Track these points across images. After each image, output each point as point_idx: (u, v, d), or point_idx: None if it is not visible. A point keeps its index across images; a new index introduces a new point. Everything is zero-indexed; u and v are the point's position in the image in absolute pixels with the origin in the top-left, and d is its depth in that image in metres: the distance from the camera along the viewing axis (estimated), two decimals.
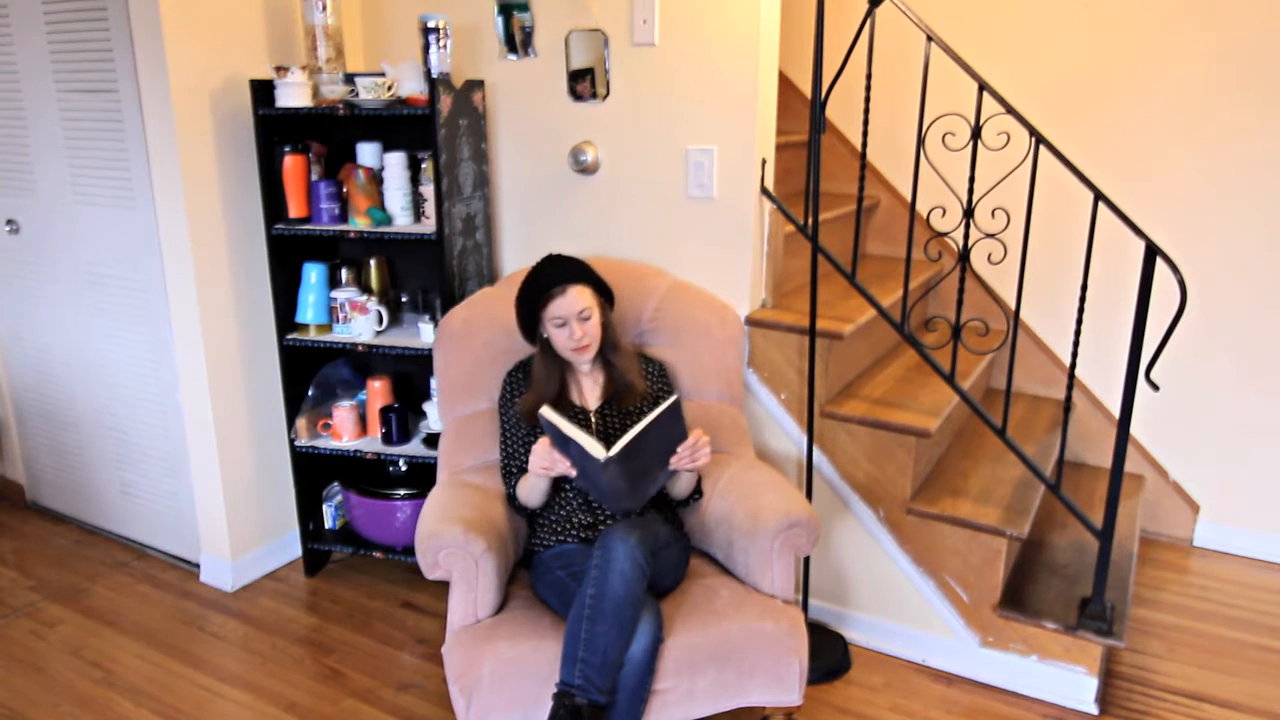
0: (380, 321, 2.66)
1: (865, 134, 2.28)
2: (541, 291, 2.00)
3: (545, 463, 1.85)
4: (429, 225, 2.56)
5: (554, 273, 2.01)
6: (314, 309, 2.67)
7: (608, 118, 2.54)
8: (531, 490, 1.97)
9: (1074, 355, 2.14)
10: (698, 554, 2.13)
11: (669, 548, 1.93)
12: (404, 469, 2.79)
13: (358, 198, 2.57)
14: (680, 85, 2.42)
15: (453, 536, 1.84)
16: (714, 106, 2.39)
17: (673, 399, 1.77)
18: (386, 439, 2.68)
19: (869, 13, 2.16)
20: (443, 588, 2.76)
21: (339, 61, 2.57)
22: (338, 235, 2.56)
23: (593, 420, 2.05)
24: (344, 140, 2.79)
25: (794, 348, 2.43)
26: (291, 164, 2.58)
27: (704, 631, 1.82)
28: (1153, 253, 1.95)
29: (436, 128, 2.40)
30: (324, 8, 2.50)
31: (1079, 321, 2.12)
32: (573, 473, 1.83)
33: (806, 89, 3.37)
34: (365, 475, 2.78)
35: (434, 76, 2.43)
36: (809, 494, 2.42)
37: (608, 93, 2.52)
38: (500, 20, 2.61)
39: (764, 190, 2.42)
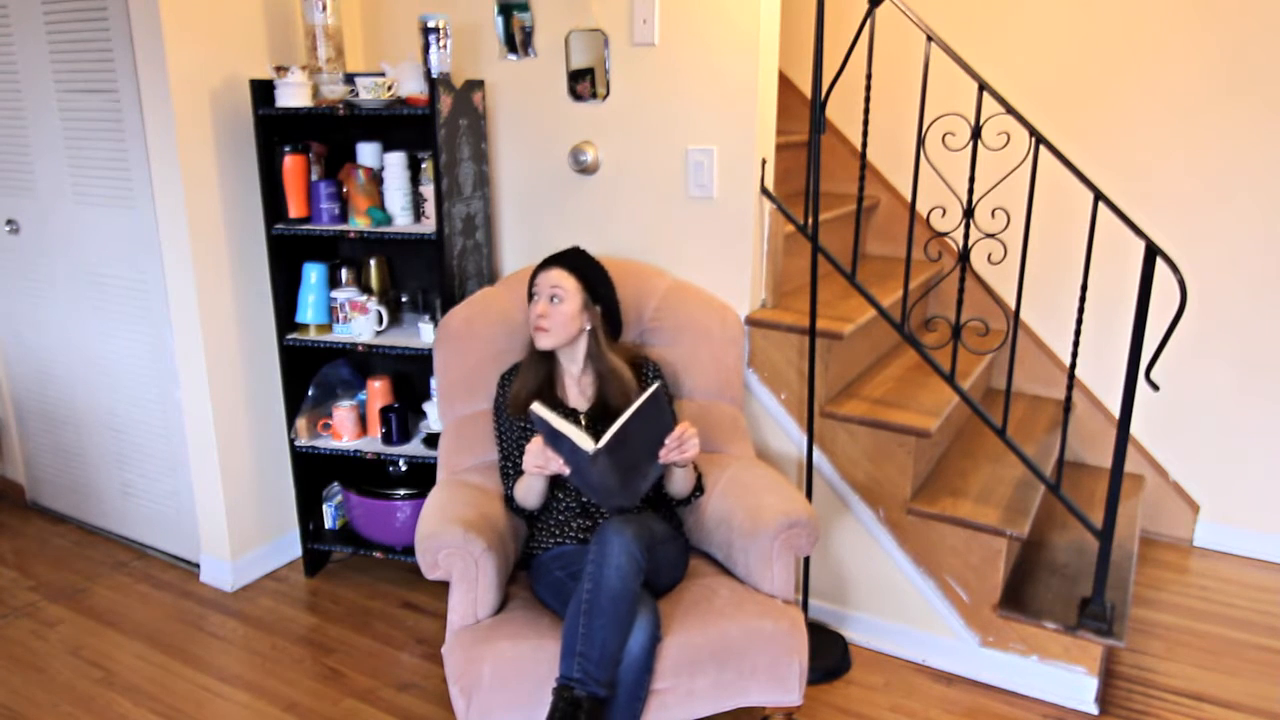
0: (380, 321, 2.66)
1: (865, 134, 2.28)
2: (540, 266, 2.06)
3: (539, 461, 1.84)
4: (429, 225, 2.56)
5: (560, 255, 2.07)
6: (314, 309, 2.67)
7: (608, 118, 2.54)
8: (528, 491, 1.97)
9: (1074, 355, 2.14)
10: (697, 554, 2.13)
11: (665, 544, 1.93)
12: (404, 469, 2.79)
13: (358, 198, 2.57)
14: (680, 85, 2.42)
15: (452, 536, 1.84)
16: (714, 106, 2.39)
17: (654, 387, 1.75)
18: (386, 439, 2.68)
19: (869, 13, 2.16)
20: (443, 588, 2.76)
21: (339, 61, 2.57)
22: (338, 235, 2.56)
23: (581, 423, 2.05)
24: (344, 140, 2.79)
25: (794, 348, 2.43)
26: (291, 164, 2.58)
27: (703, 631, 1.82)
28: (1153, 253, 1.95)
29: (436, 128, 2.40)
30: (324, 8, 2.50)
31: (1079, 321, 2.12)
32: (566, 470, 1.82)
33: (806, 89, 3.37)
34: (365, 475, 2.78)
35: (434, 76, 2.43)
36: (809, 494, 2.42)
37: (608, 93, 2.52)
38: (500, 20, 2.61)
39: (764, 190, 2.42)
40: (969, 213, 2.18)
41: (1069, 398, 2.19)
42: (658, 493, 2.07)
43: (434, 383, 2.49)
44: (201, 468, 2.73)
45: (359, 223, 2.57)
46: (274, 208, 2.59)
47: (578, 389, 2.09)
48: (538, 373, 2.07)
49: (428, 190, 2.56)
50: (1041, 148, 2.09)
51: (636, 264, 2.48)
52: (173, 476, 2.87)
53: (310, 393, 2.77)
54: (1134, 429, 3.09)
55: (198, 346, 2.61)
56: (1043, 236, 3.08)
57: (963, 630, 2.35)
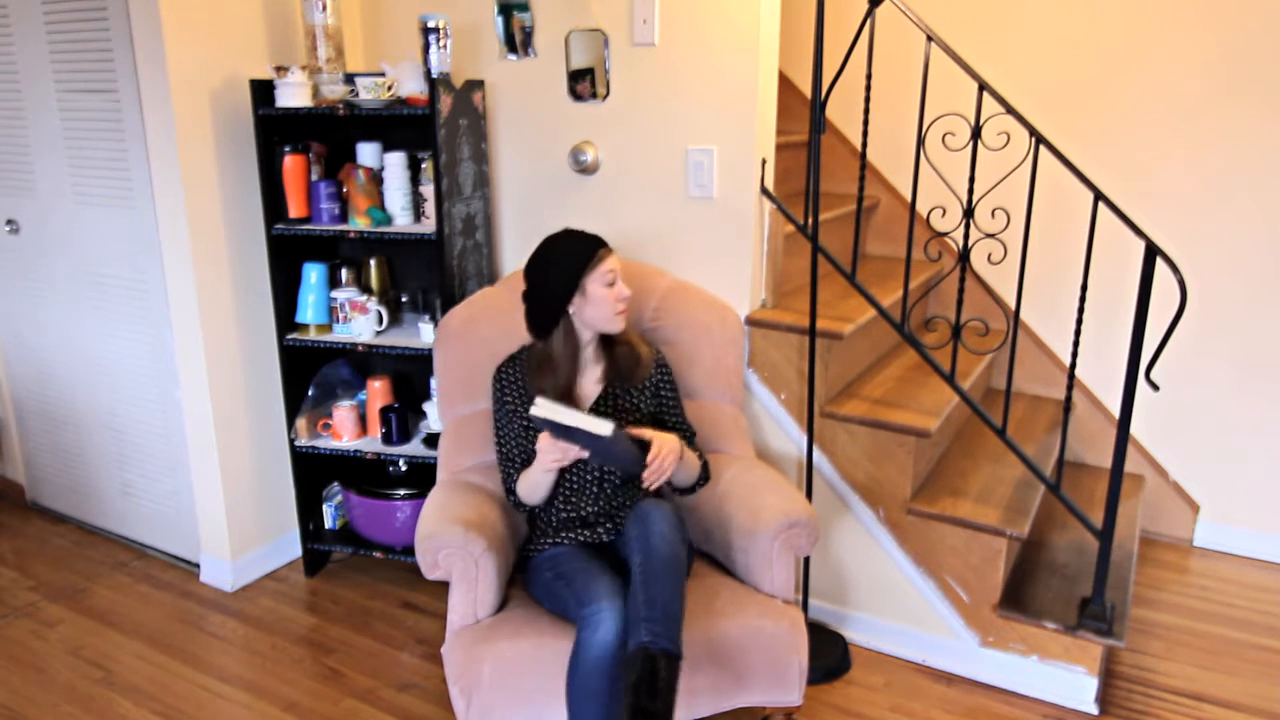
0: (380, 321, 2.66)
1: (865, 134, 2.28)
2: (595, 248, 1.91)
3: (555, 455, 1.83)
4: (429, 225, 2.56)
5: (588, 237, 1.94)
6: (314, 309, 2.67)
7: (608, 118, 2.54)
8: (535, 486, 1.95)
9: (1074, 355, 2.14)
10: (697, 554, 2.13)
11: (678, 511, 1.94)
12: (404, 469, 2.79)
13: (358, 198, 2.57)
14: (680, 85, 2.42)
15: (452, 536, 1.84)
16: (714, 106, 2.39)
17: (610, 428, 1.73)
18: (386, 439, 2.68)
19: (869, 13, 2.16)
20: (443, 588, 2.76)
21: (339, 61, 2.57)
22: (338, 235, 2.56)
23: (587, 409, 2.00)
24: (344, 140, 2.79)
25: (794, 348, 2.43)
26: (291, 164, 2.58)
27: (704, 631, 1.82)
28: (1153, 253, 1.95)
29: (436, 128, 2.40)
30: (324, 8, 2.50)
31: (1079, 321, 2.12)
32: (585, 454, 1.82)
33: (806, 89, 3.37)
34: (365, 475, 2.78)
35: (434, 76, 2.43)
36: (809, 494, 2.42)
37: (608, 93, 2.52)
38: (500, 20, 2.61)
39: (764, 190, 2.42)
40: (969, 213, 2.18)
41: (1069, 398, 2.19)
42: (659, 492, 2.06)
43: (434, 383, 2.48)
44: (201, 468, 2.73)
45: (359, 223, 2.57)
46: (274, 208, 2.59)
47: (591, 376, 2.03)
48: (570, 359, 1.96)
49: (428, 190, 2.56)
50: (1041, 148, 2.09)
51: (636, 264, 2.48)
52: (173, 476, 2.86)
53: (310, 393, 2.77)
54: (1134, 429, 3.09)
55: (198, 346, 2.61)
56: (1043, 236, 3.08)
57: (963, 630, 2.35)
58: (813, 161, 2.28)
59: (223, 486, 2.71)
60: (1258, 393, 2.89)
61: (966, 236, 2.19)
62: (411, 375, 2.90)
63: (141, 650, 2.49)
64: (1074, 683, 2.23)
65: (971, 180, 2.18)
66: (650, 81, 2.45)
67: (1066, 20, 2.93)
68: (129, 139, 2.59)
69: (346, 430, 2.71)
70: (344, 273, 2.71)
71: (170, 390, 2.77)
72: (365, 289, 2.76)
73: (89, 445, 3.07)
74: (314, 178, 2.64)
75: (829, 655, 2.39)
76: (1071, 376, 2.17)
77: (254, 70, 2.61)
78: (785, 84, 3.39)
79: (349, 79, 2.57)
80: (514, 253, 2.81)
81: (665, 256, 2.56)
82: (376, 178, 2.61)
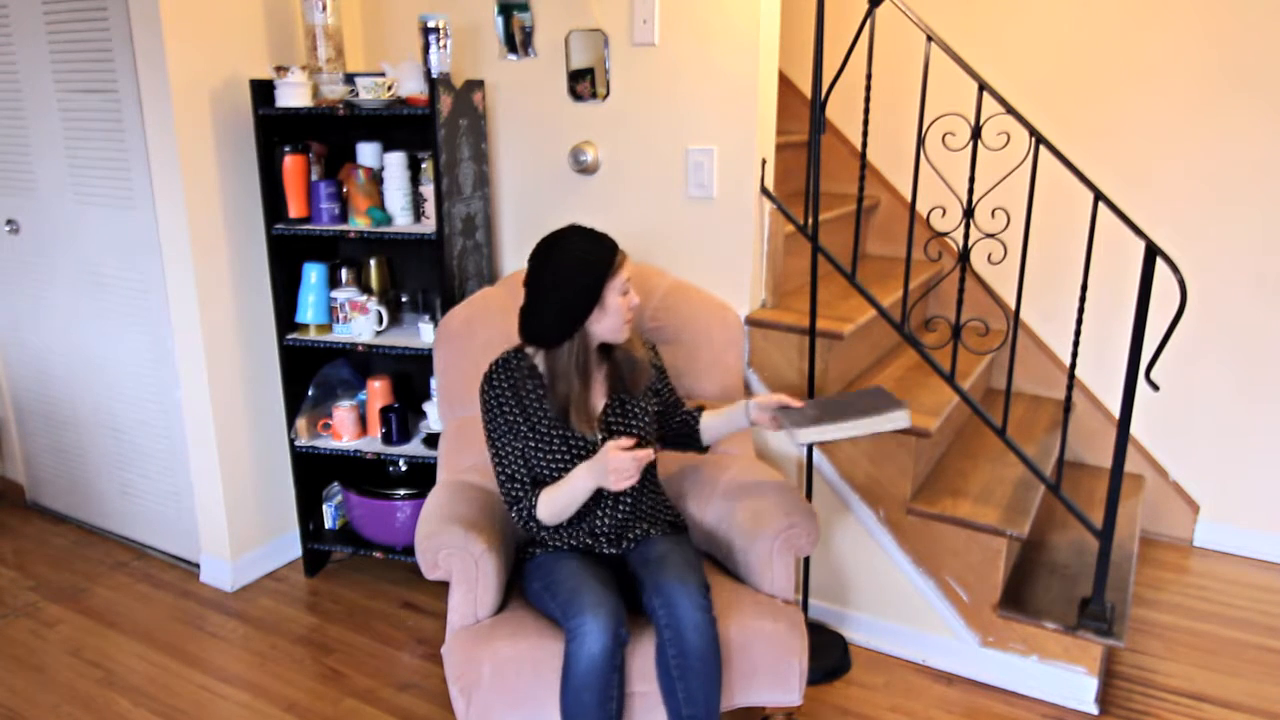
0: (380, 321, 2.66)
1: (865, 134, 2.28)
2: (613, 253, 1.78)
3: (632, 472, 1.71)
4: (429, 225, 2.56)
5: (599, 239, 1.80)
6: (314, 309, 2.67)
7: (608, 118, 2.54)
8: (570, 506, 1.81)
9: (1074, 355, 2.14)
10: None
11: (677, 541, 1.93)
12: (404, 469, 2.79)
13: (358, 198, 2.57)
14: (680, 85, 2.42)
15: (452, 536, 1.84)
16: (714, 106, 2.39)
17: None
18: (386, 439, 2.68)
19: (869, 13, 2.16)
20: (443, 588, 2.76)
21: (339, 61, 2.57)
22: (338, 235, 2.56)
23: (598, 438, 1.88)
24: (344, 140, 2.79)
25: (794, 348, 2.43)
26: (291, 164, 2.58)
27: None
28: (1153, 253, 1.95)
29: (436, 128, 2.40)
30: (324, 8, 2.50)
31: (1079, 321, 2.12)
32: (653, 455, 1.78)
33: (806, 89, 3.37)
34: (365, 475, 2.78)
35: (434, 76, 2.43)
36: (809, 494, 2.42)
37: (608, 93, 2.52)
38: (500, 20, 2.61)
39: (764, 190, 2.42)
40: (969, 213, 2.18)
41: (1069, 398, 2.19)
42: (661, 498, 2.04)
43: (434, 383, 2.48)
44: (201, 468, 2.73)
45: (359, 223, 2.57)
46: (274, 208, 2.59)
47: (595, 384, 1.91)
48: (585, 380, 1.83)
49: (428, 190, 2.56)
50: (1041, 148, 2.09)
51: (636, 264, 2.48)
52: (172, 476, 2.86)
53: (310, 393, 2.77)
54: (1134, 429, 3.09)
55: (198, 346, 2.61)
56: (1043, 236, 3.08)
57: (963, 630, 2.35)
58: (813, 161, 2.28)
59: (223, 486, 2.71)
60: (1258, 393, 2.89)
61: (966, 236, 2.19)
62: (411, 375, 2.90)
63: (141, 650, 2.49)
64: (1074, 683, 2.23)
65: (971, 180, 2.18)
66: (650, 81, 2.45)
67: (1066, 20, 2.93)
68: (129, 139, 2.59)
69: (346, 430, 2.71)
70: (344, 273, 2.71)
71: (170, 390, 2.77)
72: (365, 289, 2.76)
73: (89, 445, 3.07)
74: (314, 178, 2.64)
75: (829, 655, 2.39)
76: (1071, 376, 2.17)
77: (254, 70, 2.61)
78: (785, 84, 3.39)
79: (349, 79, 2.57)
80: (514, 253, 2.81)
81: (665, 256, 2.56)
82: (376, 178, 2.61)
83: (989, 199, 2.95)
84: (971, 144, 2.14)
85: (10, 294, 3.11)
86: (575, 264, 1.76)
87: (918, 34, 3.07)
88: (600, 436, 1.88)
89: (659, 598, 1.73)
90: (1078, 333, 2.13)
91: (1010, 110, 2.09)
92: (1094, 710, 2.22)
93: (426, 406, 2.70)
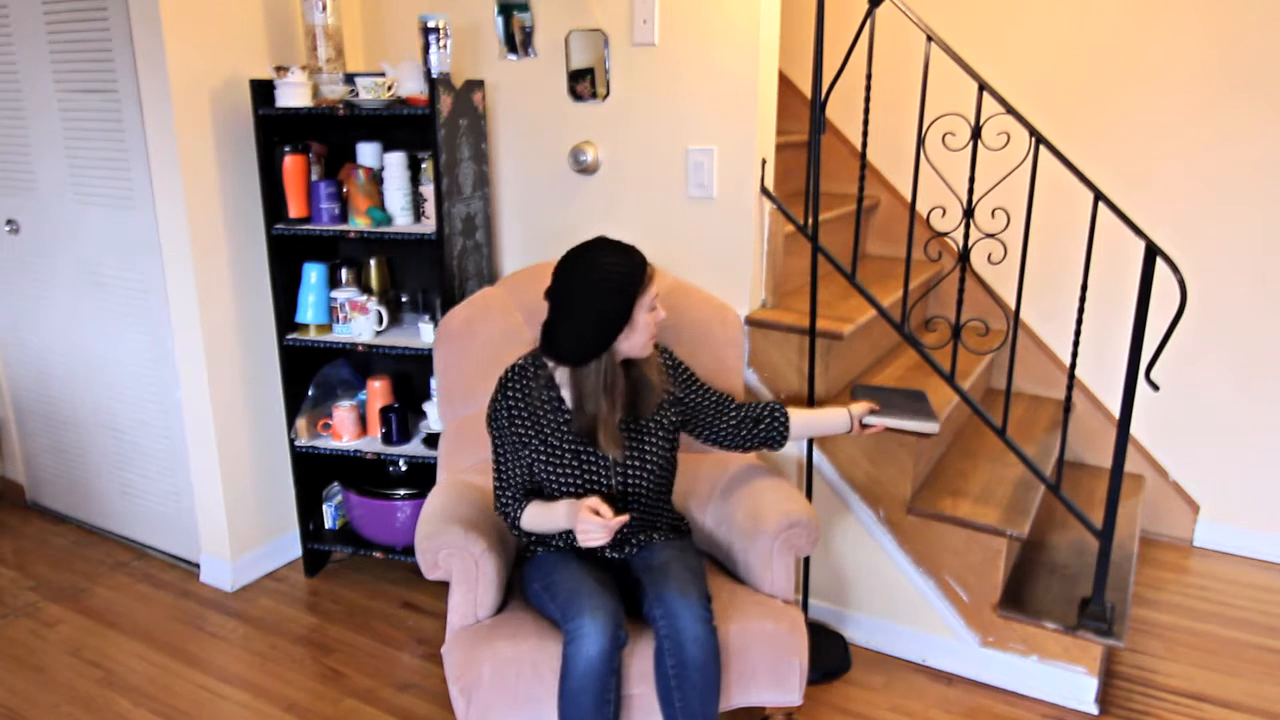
0: (380, 321, 2.66)
1: (865, 134, 2.28)
2: (642, 268, 1.74)
3: (601, 537, 1.70)
4: (429, 225, 2.56)
5: (628, 253, 1.74)
6: (314, 309, 2.67)
7: (608, 118, 2.54)
8: (548, 527, 1.82)
9: (1074, 355, 2.14)
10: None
11: (682, 547, 1.92)
12: (404, 469, 2.79)
13: (358, 198, 2.57)
14: (680, 85, 2.42)
15: (453, 537, 1.84)
16: (714, 106, 2.39)
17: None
18: (386, 439, 2.68)
19: (869, 13, 2.16)
20: (443, 588, 2.76)
21: (339, 61, 2.57)
22: (338, 235, 2.56)
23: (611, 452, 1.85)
24: (344, 140, 2.79)
25: (794, 348, 2.43)
26: (291, 164, 2.58)
27: None
28: (1153, 253, 1.95)
29: (436, 128, 2.40)
30: (324, 8, 2.50)
31: (1079, 321, 2.12)
32: (625, 520, 1.74)
33: (806, 89, 3.37)
34: (365, 475, 2.78)
35: (434, 76, 2.43)
36: (809, 494, 2.42)
37: (608, 93, 2.52)
38: (500, 20, 2.61)
39: (764, 190, 2.42)
40: (969, 213, 2.18)
41: (1069, 398, 2.19)
42: (666, 501, 2.03)
43: (434, 383, 2.48)
44: (201, 468, 2.73)
45: (359, 223, 2.57)
46: (274, 208, 2.59)
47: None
48: (610, 398, 1.78)
49: (428, 190, 2.56)
50: (1041, 148, 2.09)
51: None
52: (172, 476, 2.86)
53: (310, 393, 2.77)
54: (1134, 429, 3.09)
55: (198, 346, 2.61)
56: (1043, 236, 3.08)
57: (963, 630, 2.35)
58: (813, 161, 2.28)
59: (223, 486, 2.71)
60: (1258, 393, 2.89)
61: (966, 236, 2.19)
62: (411, 375, 2.90)
63: (141, 650, 2.49)
64: (1074, 683, 2.23)
65: (971, 180, 2.18)
66: (650, 81, 2.45)
67: (1067, 20, 2.93)
68: (129, 139, 2.59)
69: (346, 430, 2.71)
70: (344, 273, 2.71)
71: (170, 390, 2.77)
72: (365, 289, 2.76)
73: (89, 445, 3.07)
74: (314, 178, 2.64)
75: (829, 655, 2.39)
76: (1071, 376, 2.17)
77: (254, 70, 2.61)
78: (785, 84, 3.39)
79: (349, 79, 2.57)
80: (514, 253, 2.81)
81: (665, 256, 2.56)
82: (376, 178, 2.61)
83: (989, 199, 2.95)
84: (971, 144, 2.14)
85: (10, 294, 3.11)
86: (607, 281, 1.70)
87: (918, 34, 3.06)
88: (613, 459, 1.85)
89: (660, 608, 1.72)
90: (1078, 333, 2.13)
91: (1010, 110, 2.09)
92: (1094, 710, 2.22)
93: (426, 406, 2.70)
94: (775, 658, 1.83)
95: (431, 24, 2.42)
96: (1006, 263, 3.05)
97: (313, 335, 2.66)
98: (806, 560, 2.47)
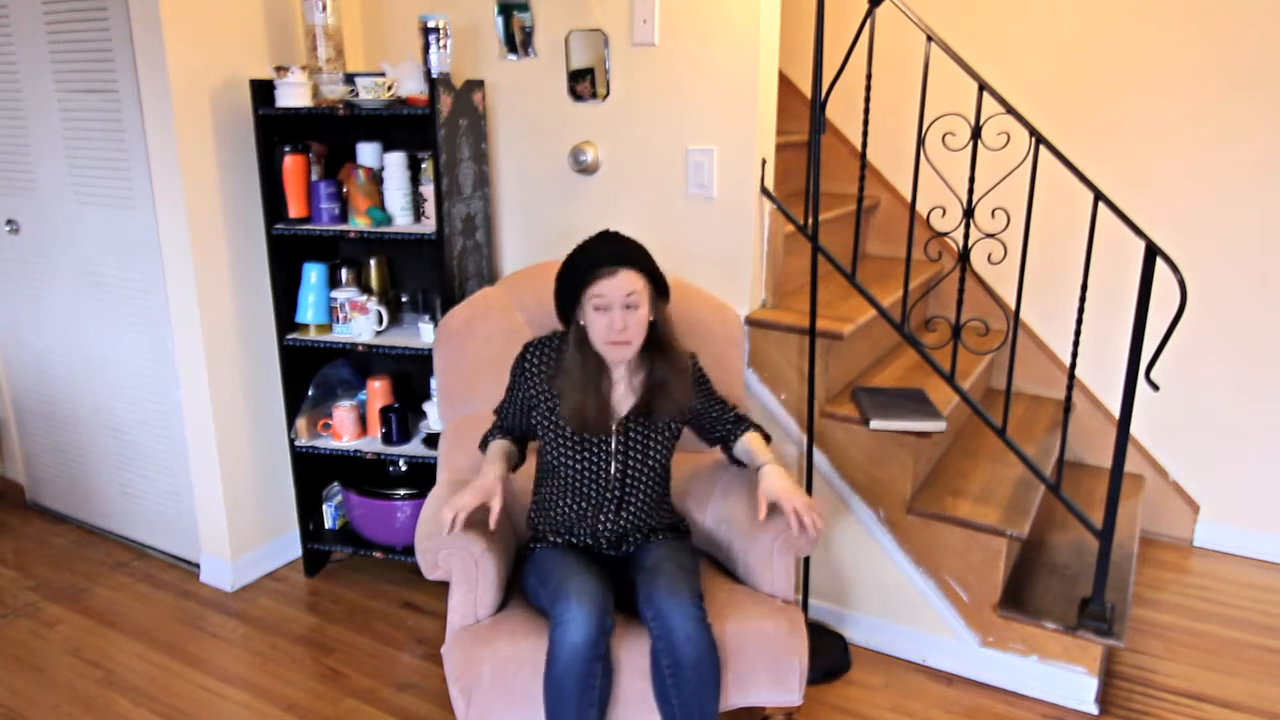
0: (380, 321, 2.66)
1: (865, 134, 2.28)
2: (590, 267, 1.76)
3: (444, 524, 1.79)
4: (429, 225, 2.56)
5: (607, 248, 1.79)
6: (314, 309, 2.67)
7: (608, 118, 2.54)
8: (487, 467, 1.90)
9: (1074, 355, 2.14)
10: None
11: (677, 546, 1.92)
12: (404, 469, 2.79)
13: (358, 198, 2.57)
14: (680, 85, 2.42)
15: (452, 537, 1.83)
16: (714, 106, 2.39)
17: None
18: (386, 439, 2.68)
19: (869, 13, 2.16)
20: (443, 588, 2.76)
21: (339, 61, 2.57)
22: (338, 235, 2.56)
23: (613, 440, 1.87)
24: (344, 140, 2.79)
25: (794, 348, 2.43)
26: (291, 164, 2.58)
27: None
28: (1153, 253, 1.95)
29: (436, 128, 2.40)
30: (324, 8, 2.50)
31: (1079, 321, 2.12)
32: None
33: (806, 89, 3.37)
34: (365, 475, 2.78)
35: (434, 76, 2.43)
36: (809, 494, 2.42)
37: (608, 93, 2.52)
38: (500, 20, 2.61)
39: (764, 190, 2.42)
40: (969, 213, 2.18)
41: (1069, 398, 2.19)
42: (665, 505, 2.02)
43: (434, 383, 2.48)
44: (201, 468, 2.73)
45: (359, 223, 2.57)
46: (274, 208, 2.59)
47: (625, 382, 1.89)
48: (588, 378, 1.82)
49: (428, 190, 2.56)
50: (1041, 148, 2.09)
51: None
52: (173, 476, 2.86)
53: (310, 393, 2.77)
54: (1134, 429, 3.09)
55: (198, 346, 2.61)
56: (1043, 236, 3.08)
57: (963, 630, 2.35)
58: (813, 161, 2.28)
59: (223, 486, 2.71)
60: (1258, 393, 2.89)
61: (966, 236, 2.19)
62: (411, 375, 2.90)
63: (141, 650, 2.49)
64: (1074, 683, 2.23)
65: (971, 180, 2.18)
66: (650, 81, 2.45)
67: (1067, 20, 2.93)
68: (129, 139, 2.59)
69: (346, 430, 2.71)
70: (344, 273, 2.71)
71: (170, 390, 2.77)
72: (365, 289, 2.76)
73: (89, 445, 3.07)
74: (314, 178, 2.64)
75: (829, 655, 2.39)
76: (1071, 376, 2.17)
77: (254, 70, 2.61)
78: (785, 84, 3.39)
79: (349, 79, 2.57)
80: (514, 253, 2.81)
81: (665, 256, 2.56)
82: (376, 178, 2.61)
83: (989, 199, 2.95)
84: (971, 144, 2.14)
85: (10, 294, 3.11)
86: (571, 256, 1.84)
87: (918, 34, 3.06)
88: (616, 440, 1.88)
89: (650, 608, 1.72)
90: (1078, 333, 2.13)
91: (1010, 110, 2.09)
92: (1094, 710, 2.22)
93: (426, 406, 2.70)
94: (775, 657, 1.83)
95: (431, 24, 2.42)
96: (1006, 263, 3.05)
97: (313, 335, 2.66)
98: (806, 560, 2.47)
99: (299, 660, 2.44)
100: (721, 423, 2.02)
